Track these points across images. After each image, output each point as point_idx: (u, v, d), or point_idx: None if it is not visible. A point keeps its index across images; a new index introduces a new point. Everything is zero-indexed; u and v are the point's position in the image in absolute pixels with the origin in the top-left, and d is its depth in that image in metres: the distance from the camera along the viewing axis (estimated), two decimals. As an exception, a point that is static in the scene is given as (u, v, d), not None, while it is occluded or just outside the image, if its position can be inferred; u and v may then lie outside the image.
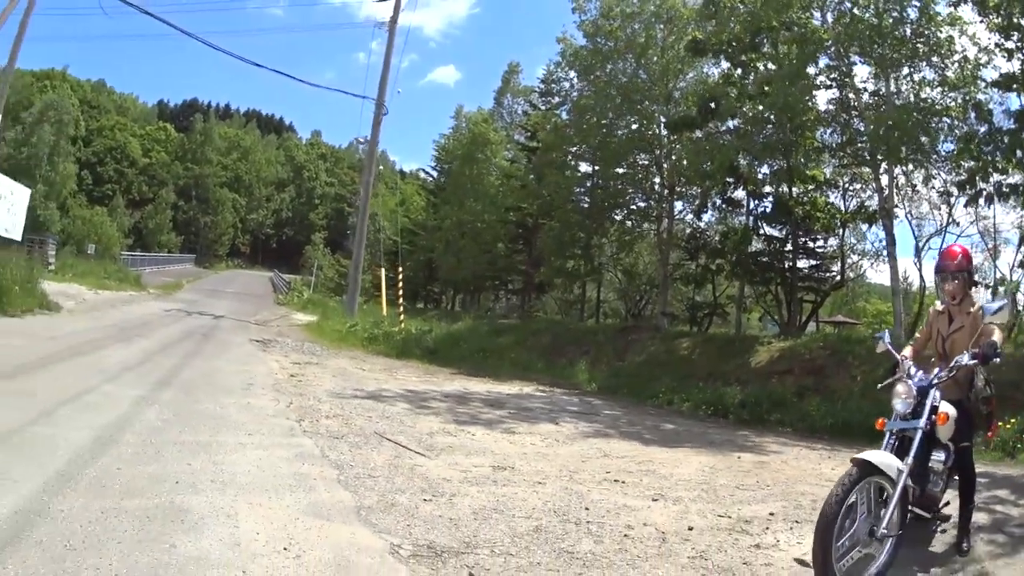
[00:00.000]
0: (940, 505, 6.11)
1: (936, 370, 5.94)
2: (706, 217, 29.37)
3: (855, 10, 20.23)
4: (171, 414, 8.80)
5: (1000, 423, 8.90)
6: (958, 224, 23.03)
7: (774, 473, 9.20)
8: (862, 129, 20.77)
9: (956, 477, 6.36)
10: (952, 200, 21.63)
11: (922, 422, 5.60)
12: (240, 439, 8.02)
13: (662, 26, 28.83)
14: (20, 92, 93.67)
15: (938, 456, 5.85)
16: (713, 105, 23.77)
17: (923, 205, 24.36)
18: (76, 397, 8.92)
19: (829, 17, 21.13)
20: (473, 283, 48.55)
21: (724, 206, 27.66)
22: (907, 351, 6.42)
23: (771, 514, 6.87)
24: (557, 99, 38.70)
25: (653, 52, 28.92)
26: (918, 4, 19.37)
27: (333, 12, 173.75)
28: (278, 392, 11.76)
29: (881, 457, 5.33)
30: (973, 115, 18.40)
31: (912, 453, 5.48)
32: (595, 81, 31.11)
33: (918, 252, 24.34)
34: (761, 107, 22.03)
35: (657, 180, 30.11)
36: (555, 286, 39.04)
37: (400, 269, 34.76)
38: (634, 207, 31.74)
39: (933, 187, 21.99)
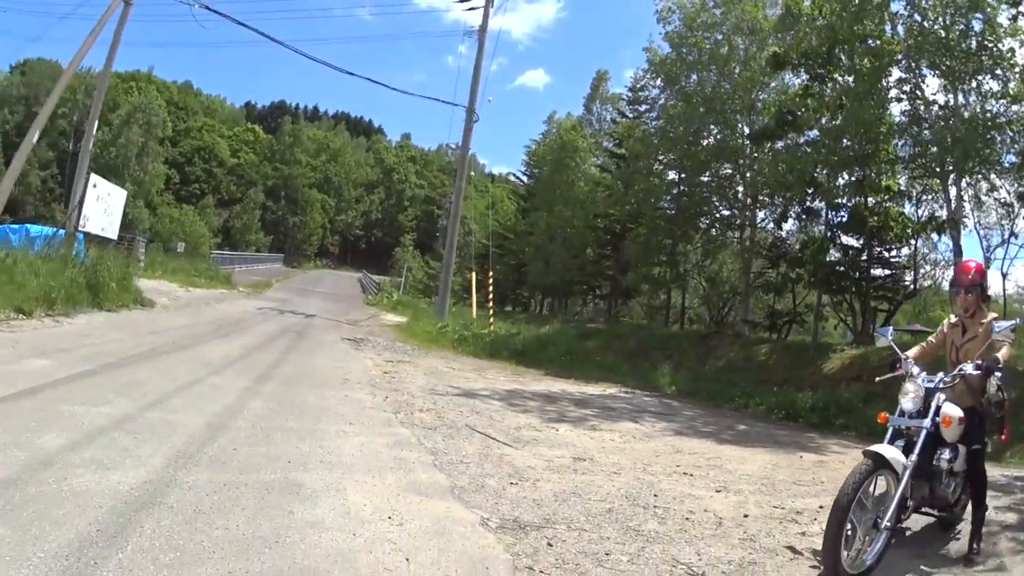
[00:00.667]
0: (953, 505, 6.46)
1: (941, 374, 6.22)
2: (787, 226, 29.72)
3: (924, 23, 20.60)
4: (276, 404, 9.53)
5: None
6: (1017, 236, 22.99)
7: (831, 472, 9.61)
8: (932, 141, 21.00)
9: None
10: (1014, 212, 21.89)
11: (927, 422, 5.91)
12: (342, 427, 8.71)
13: (743, 38, 29.38)
14: (107, 94, 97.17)
15: (944, 455, 6.08)
16: (791, 117, 24.20)
17: (991, 215, 24.28)
18: (185, 387, 9.68)
19: (900, 30, 21.39)
20: (561, 288, 49.01)
21: (803, 216, 27.97)
22: (913, 351, 6.75)
23: (820, 507, 7.22)
24: (644, 107, 39.10)
25: (735, 63, 29.52)
26: (982, 16, 19.60)
27: (420, 15, 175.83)
28: (373, 387, 12.47)
29: (891, 452, 5.67)
30: None
31: (916, 451, 5.78)
32: (680, 91, 31.68)
33: (986, 263, 24.33)
34: (836, 121, 22.57)
35: (740, 189, 30.60)
36: (641, 292, 39.31)
37: (490, 272, 35.42)
38: (718, 215, 32.15)
39: (998, 198, 22.11)
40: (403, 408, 10.68)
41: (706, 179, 31.57)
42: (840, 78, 22.82)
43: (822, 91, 23.19)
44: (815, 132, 24.49)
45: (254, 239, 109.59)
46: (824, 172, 24.16)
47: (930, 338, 7.08)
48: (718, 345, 24.68)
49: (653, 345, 25.52)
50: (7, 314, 13.79)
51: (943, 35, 19.90)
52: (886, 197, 24.00)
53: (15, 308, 14.24)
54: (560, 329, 31.00)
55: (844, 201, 25.25)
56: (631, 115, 41.59)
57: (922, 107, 21.48)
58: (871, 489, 5.61)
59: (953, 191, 21.31)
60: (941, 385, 6.09)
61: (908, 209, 25.18)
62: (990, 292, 7.13)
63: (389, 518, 5.55)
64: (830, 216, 26.06)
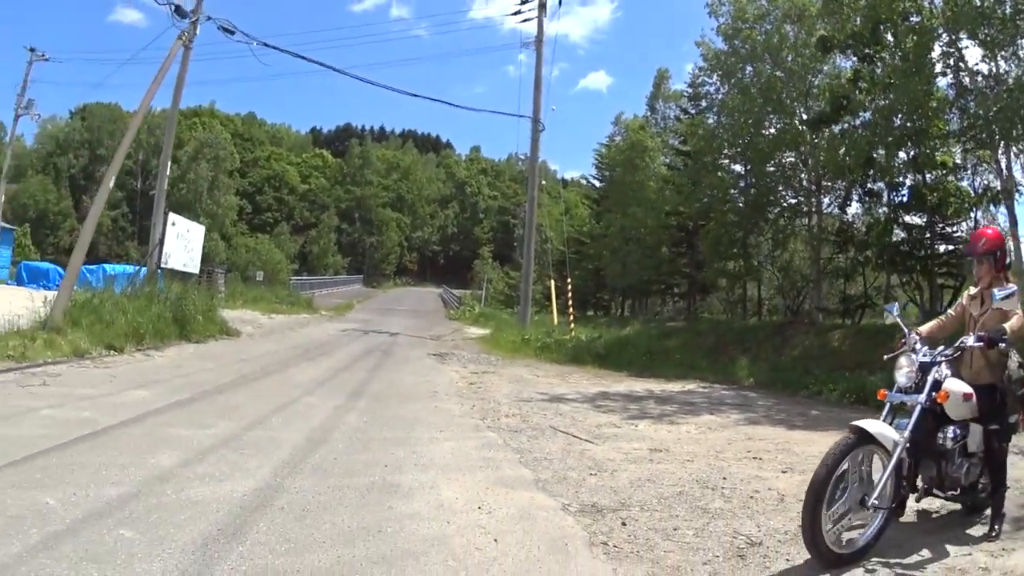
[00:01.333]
0: (972, 489, 6.25)
1: (942, 347, 6.16)
2: (851, 210, 30.10)
3: None
4: (369, 418, 10.26)
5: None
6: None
7: None
8: (977, 112, 20.94)
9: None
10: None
11: (922, 397, 5.80)
12: (433, 435, 9.39)
13: (792, 26, 29.78)
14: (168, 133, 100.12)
15: (948, 434, 5.95)
16: (845, 101, 24.53)
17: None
18: (281, 408, 10.44)
19: (938, 2, 21.43)
20: (640, 288, 49.44)
21: (866, 198, 28.20)
22: (927, 327, 6.72)
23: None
24: (704, 103, 39.38)
25: (787, 51, 29.98)
26: None
27: (477, 29, 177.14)
28: (461, 398, 13.13)
29: (878, 427, 5.57)
30: None
31: (909, 427, 5.66)
32: (737, 83, 32.21)
33: None
34: (886, 100, 22.82)
35: (804, 176, 30.98)
36: (718, 287, 39.68)
37: (568, 279, 35.95)
38: (785, 204, 32.40)
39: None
40: (489, 415, 11.29)
41: (771, 169, 31.90)
42: (887, 57, 23.03)
43: (871, 72, 23.45)
44: (869, 114, 24.63)
45: (332, 262, 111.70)
46: (880, 152, 24.27)
47: (949, 311, 7.05)
48: (793, 334, 24.92)
49: (731, 339, 25.80)
50: (99, 351, 14.81)
51: (979, 4, 19.87)
52: (943, 172, 24.28)
53: (106, 345, 15.25)
54: (640, 330, 31.33)
55: (903, 180, 25.57)
56: (693, 111, 41.90)
57: (966, 78, 21.60)
58: (864, 466, 5.58)
59: (1004, 161, 21.35)
60: (940, 359, 6.01)
61: (965, 182, 25.47)
62: (1010, 259, 6.80)
63: (479, 508, 6.17)
64: (891, 196, 26.38)
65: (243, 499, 5.83)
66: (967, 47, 21.59)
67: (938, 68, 21.68)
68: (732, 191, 34.19)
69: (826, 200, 30.77)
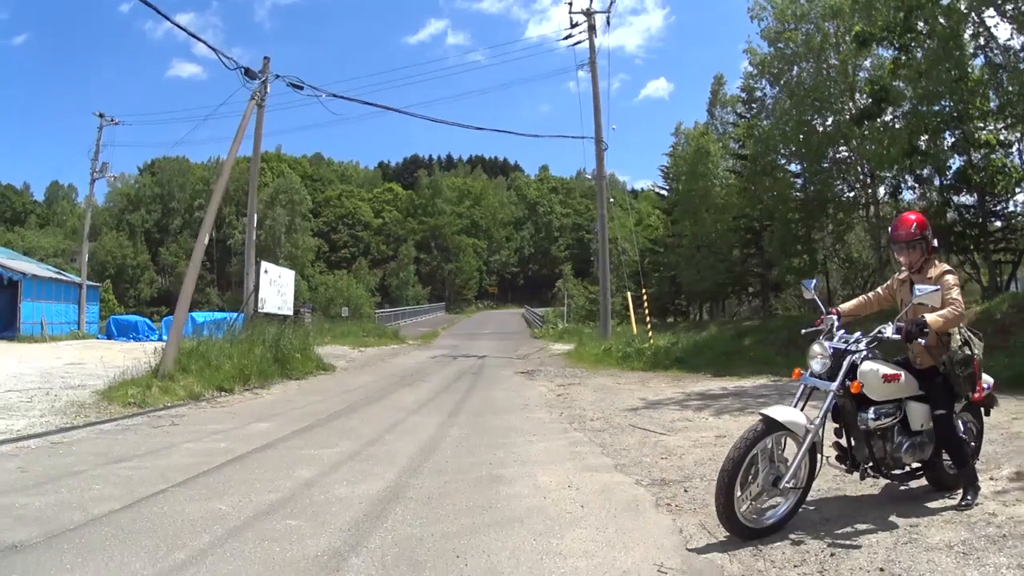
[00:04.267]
0: (923, 468, 6.60)
1: (858, 333, 6.43)
2: (908, 196, 30.88)
3: None
4: (470, 429, 11.73)
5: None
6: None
7: None
8: (1012, 88, 21.41)
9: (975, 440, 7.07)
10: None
11: (834, 385, 6.12)
12: (527, 438, 10.80)
13: (833, 24, 30.60)
14: (239, 179, 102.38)
15: (866, 415, 6.19)
16: (884, 94, 24.91)
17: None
18: (391, 427, 11.92)
19: None
20: (715, 291, 50.27)
21: (915, 185, 29.12)
22: (846, 305, 7.19)
23: None
24: (755, 106, 40.30)
25: (830, 49, 30.97)
26: None
27: (532, 49, 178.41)
28: (550, 408, 14.51)
29: (787, 415, 5.91)
30: None
31: (821, 415, 6.05)
32: (786, 85, 33.25)
33: None
34: (922, 89, 23.56)
35: (859, 169, 31.87)
36: (788, 284, 40.13)
37: (644, 290, 36.75)
38: (844, 198, 33.25)
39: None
40: (576, 420, 12.66)
41: (825, 165, 32.80)
42: (922, 44, 23.31)
43: (910, 60, 23.71)
44: (910, 103, 25.31)
45: (412, 292, 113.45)
46: (923, 138, 24.97)
47: (878, 289, 7.33)
48: (860, 325, 25.02)
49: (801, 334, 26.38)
50: (211, 393, 16.29)
51: None
52: (988, 151, 24.75)
53: (216, 387, 16.74)
54: (716, 332, 32.18)
55: (950, 163, 26.20)
56: (748, 116, 42.89)
57: (999, 56, 22.14)
58: (777, 450, 5.97)
59: None
60: (854, 347, 6.29)
61: (1015, 158, 25.87)
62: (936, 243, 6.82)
63: (568, 487, 7.59)
64: (941, 180, 27.13)
65: (378, 494, 7.24)
66: (996, 24, 22.15)
67: (970, 49, 22.29)
68: (791, 190, 35.10)
69: (881, 190, 31.68)
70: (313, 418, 13.05)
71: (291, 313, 29.78)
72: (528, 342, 44.44)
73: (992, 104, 23.07)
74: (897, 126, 25.96)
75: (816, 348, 6.35)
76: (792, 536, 5.76)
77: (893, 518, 6.14)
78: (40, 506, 6.82)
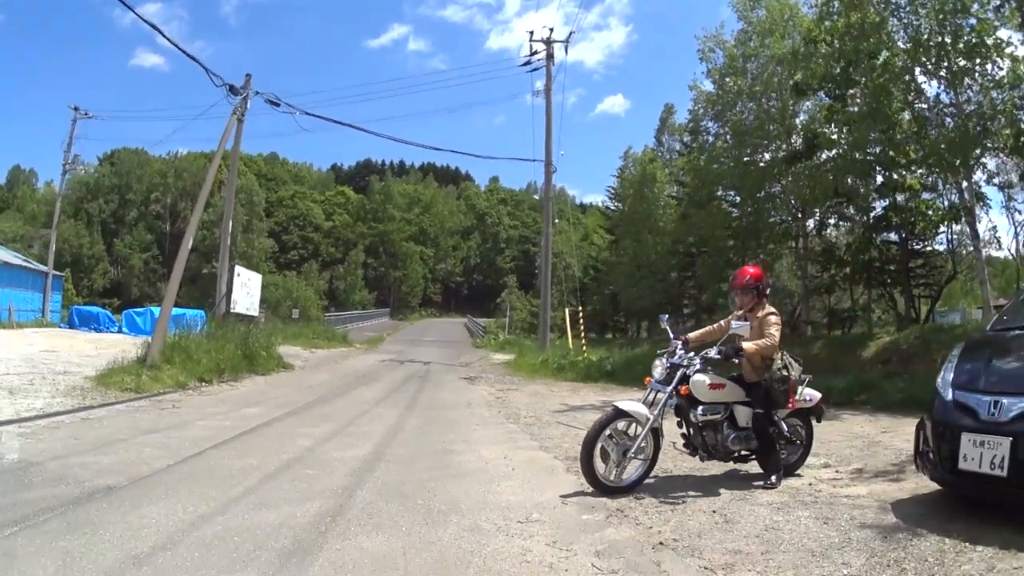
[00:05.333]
0: (743, 452, 8.62)
1: (691, 354, 8.51)
2: (836, 232, 33.78)
3: (922, 27, 22.75)
4: (424, 419, 14.35)
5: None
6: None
7: (821, 431, 12.69)
8: (936, 141, 22.83)
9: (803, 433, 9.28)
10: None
11: (669, 388, 8.21)
12: (472, 427, 13.42)
13: (778, 67, 32.65)
14: (196, 175, 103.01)
15: (696, 411, 8.27)
16: (814, 139, 27.48)
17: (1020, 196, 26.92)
18: (361, 415, 14.46)
19: (901, 42, 23.51)
20: (653, 311, 50.67)
21: (840, 223, 31.95)
22: (693, 334, 9.14)
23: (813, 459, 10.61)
24: (700, 137, 41.30)
25: (772, 92, 33.22)
26: (973, 18, 21.87)
27: (493, 57, 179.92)
28: (489, 407, 17.15)
29: (632, 406, 8.00)
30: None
31: (659, 407, 8.13)
32: (728, 122, 35.49)
33: (1016, 239, 27.45)
34: (853, 137, 25.31)
35: (791, 202, 33.91)
36: (718, 307, 41.65)
37: (580, 308, 39.00)
38: (776, 229, 34.85)
39: (999, 183, 25.21)
40: (512, 416, 15.21)
41: (761, 195, 34.57)
42: (857, 94, 25.00)
43: (844, 108, 25.49)
44: (840, 148, 27.05)
45: (359, 297, 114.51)
46: (848, 181, 27.31)
47: (721, 322, 9.36)
48: (784, 346, 27.56)
49: None
50: (194, 383, 18.22)
51: (931, 40, 22.28)
52: (911, 194, 26.76)
53: (197, 378, 18.64)
54: (649, 349, 33.91)
55: (873, 204, 28.60)
56: (692, 145, 44.00)
57: (926, 109, 23.77)
58: (629, 429, 8.06)
59: (965, 183, 23.75)
60: (686, 363, 8.35)
61: (943, 200, 27.56)
62: (767, 290, 9.33)
63: (504, 458, 10.09)
64: (865, 219, 29.40)
65: (365, 457, 9.78)
66: (924, 82, 23.88)
67: (898, 103, 23.66)
68: (727, 218, 37.06)
69: (810, 223, 33.73)
70: (292, 406, 15.33)
71: (256, 314, 31.84)
72: (470, 351, 46.83)
73: (918, 154, 24.16)
74: (826, 168, 27.79)
75: (656, 362, 8.55)
76: (654, 492, 7.97)
77: (735, 488, 8.26)
78: (109, 463, 8.61)
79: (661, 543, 6.10)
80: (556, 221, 45.97)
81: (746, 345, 8.43)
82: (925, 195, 27.36)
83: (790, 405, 8.79)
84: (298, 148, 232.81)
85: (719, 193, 37.58)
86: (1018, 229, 27.13)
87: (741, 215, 36.10)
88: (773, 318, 8.86)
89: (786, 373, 8.64)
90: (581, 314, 37.73)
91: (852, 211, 30.96)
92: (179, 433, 11.26)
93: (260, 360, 23.61)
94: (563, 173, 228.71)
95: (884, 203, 28.71)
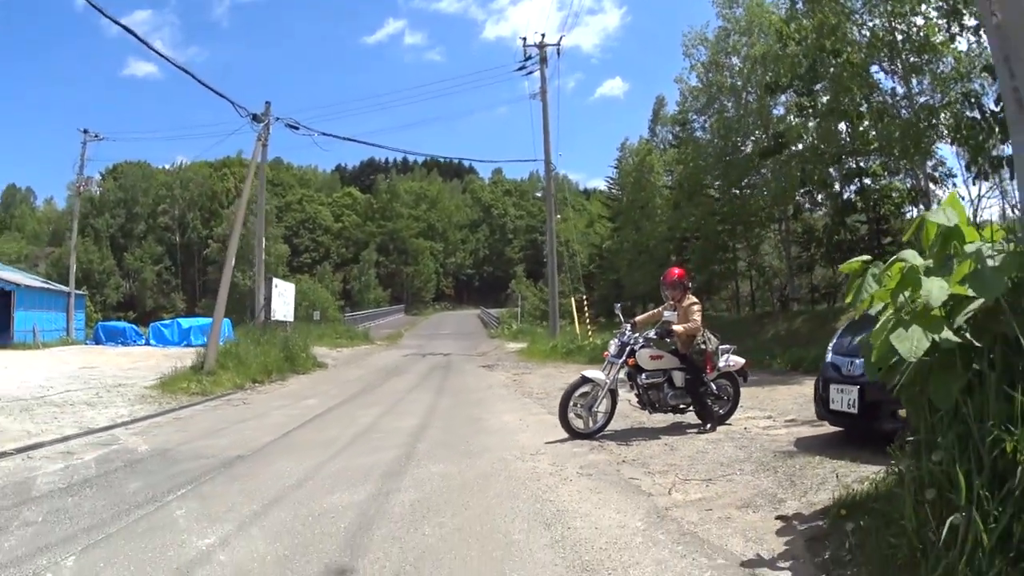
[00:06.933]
0: (678, 406, 11.20)
1: (638, 334, 11.15)
2: (812, 215, 36.22)
3: (876, 27, 24.89)
4: (454, 400, 17.37)
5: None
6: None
7: (771, 392, 15.93)
8: (891, 131, 24.80)
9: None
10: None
11: (620, 360, 10.80)
12: (494, 403, 16.44)
13: (757, 65, 34.70)
14: (202, 185, 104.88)
15: (640, 377, 10.91)
16: (782, 137, 30.11)
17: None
18: (399, 401, 17.39)
19: (860, 37, 25.76)
20: (655, 295, 52.22)
21: (813, 208, 34.54)
22: (639, 317, 11.97)
23: (759, 412, 13.49)
24: (689, 128, 43.59)
25: (752, 88, 35.37)
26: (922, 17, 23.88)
27: (489, 46, 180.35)
28: (507, 388, 20.13)
29: (594, 374, 10.75)
30: (967, 103, 22.61)
31: (613, 373, 10.73)
32: (711, 115, 38.03)
33: (973, 215, 29.52)
34: (820, 130, 27.92)
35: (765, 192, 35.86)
36: (712, 289, 44.55)
37: (585, 296, 41.32)
38: (761, 214, 36.96)
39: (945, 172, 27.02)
40: (527, 394, 18.12)
41: (744, 184, 37.12)
42: (822, 91, 27.23)
43: (812, 103, 27.49)
44: (808, 141, 29.90)
45: (374, 295, 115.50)
46: (817, 170, 29.50)
47: (658, 308, 11.97)
48: (770, 322, 30.69)
49: (721, 329, 30.24)
50: (248, 384, 20.77)
51: (890, 38, 24.46)
52: (876, 179, 29.51)
53: (251, 379, 21.21)
54: None
55: (843, 190, 31.07)
56: (682, 136, 46.14)
57: (884, 103, 25.84)
58: (593, 391, 10.69)
59: (920, 173, 26.34)
60: (632, 341, 10.96)
61: (908, 183, 30.03)
62: (689, 285, 11.64)
63: (520, 420, 13.13)
64: (838, 202, 31.77)
65: (414, 427, 12.67)
66: (880, 77, 26.17)
67: (860, 97, 25.60)
68: (715, 206, 39.10)
69: (790, 209, 35.75)
70: (341, 397, 18.22)
71: (292, 320, 34.36)
72: (486, 341, 49.00)
73: (877, 143, 26.30)
74: (791, 164, 30.34)
75: (612, 341, 11.31)
76: (624, 437, 10.75)
77: (680, 433, 11.05)
78: (226, 443, 10.86)
79: (623, 460, 9.16)
80: (559, 217, 47.36)
81: (675, 327, 10.98)
82: (891, 180, 30.01)
83: (708, 370, 11.26)
84: (302, 152, 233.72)
85: (706, 182, 39.75)
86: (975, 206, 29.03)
87: (727, 203, 38.01)
88: (696, 307, 11.24)
89: (703, 347, 11.14)
90: (586, 301, 40.03)
91: (822, 198, 33.54)
92: (263, 421, 13.89)
93: (300, 361, 25.98)
94: (567, 159, 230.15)
95: (853, 187, 31.22)
